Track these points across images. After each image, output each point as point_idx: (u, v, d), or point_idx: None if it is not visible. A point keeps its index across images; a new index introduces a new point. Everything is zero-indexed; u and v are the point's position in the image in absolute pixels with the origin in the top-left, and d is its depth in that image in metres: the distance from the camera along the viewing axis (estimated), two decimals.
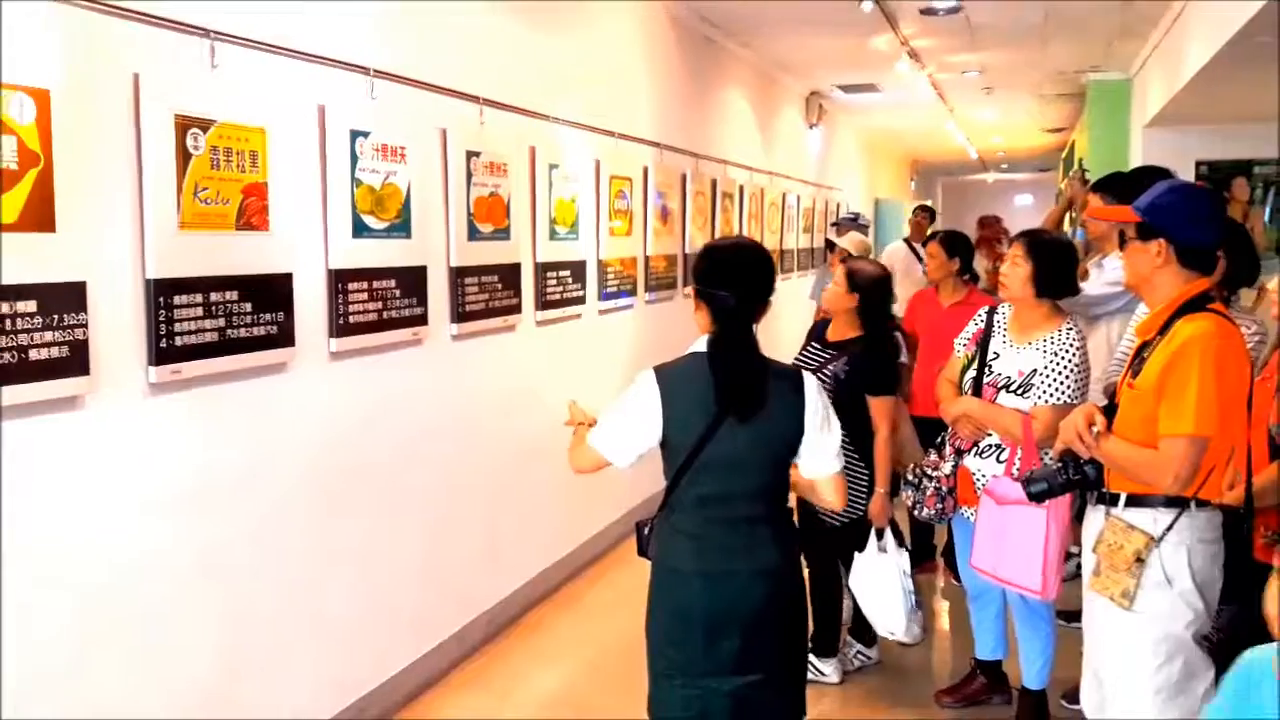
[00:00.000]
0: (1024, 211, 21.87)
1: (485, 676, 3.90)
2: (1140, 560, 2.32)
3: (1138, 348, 2.49)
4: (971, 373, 3.26)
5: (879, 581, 3.42)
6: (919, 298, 4.87)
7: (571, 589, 4.83)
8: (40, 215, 2.23)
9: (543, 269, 4.54)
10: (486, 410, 4.16)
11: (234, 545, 2.87)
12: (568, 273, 4.80)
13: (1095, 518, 2.49)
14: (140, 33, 2.51)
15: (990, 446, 3.21)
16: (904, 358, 3.96)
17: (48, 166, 2.25)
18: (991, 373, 3.21)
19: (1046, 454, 3.08)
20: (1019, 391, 3.12)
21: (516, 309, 4.32)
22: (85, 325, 2.35)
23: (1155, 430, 2.30)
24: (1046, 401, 3.04)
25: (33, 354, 2.24)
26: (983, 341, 3.27)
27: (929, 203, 7.86)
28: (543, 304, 4.56)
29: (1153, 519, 2.34)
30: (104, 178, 2.44)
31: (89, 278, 2.37)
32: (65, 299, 2.30)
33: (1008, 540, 2.95)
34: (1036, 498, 2.55)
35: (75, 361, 2.33)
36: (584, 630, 4.37)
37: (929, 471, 3.33)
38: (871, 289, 3.60)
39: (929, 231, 7.12)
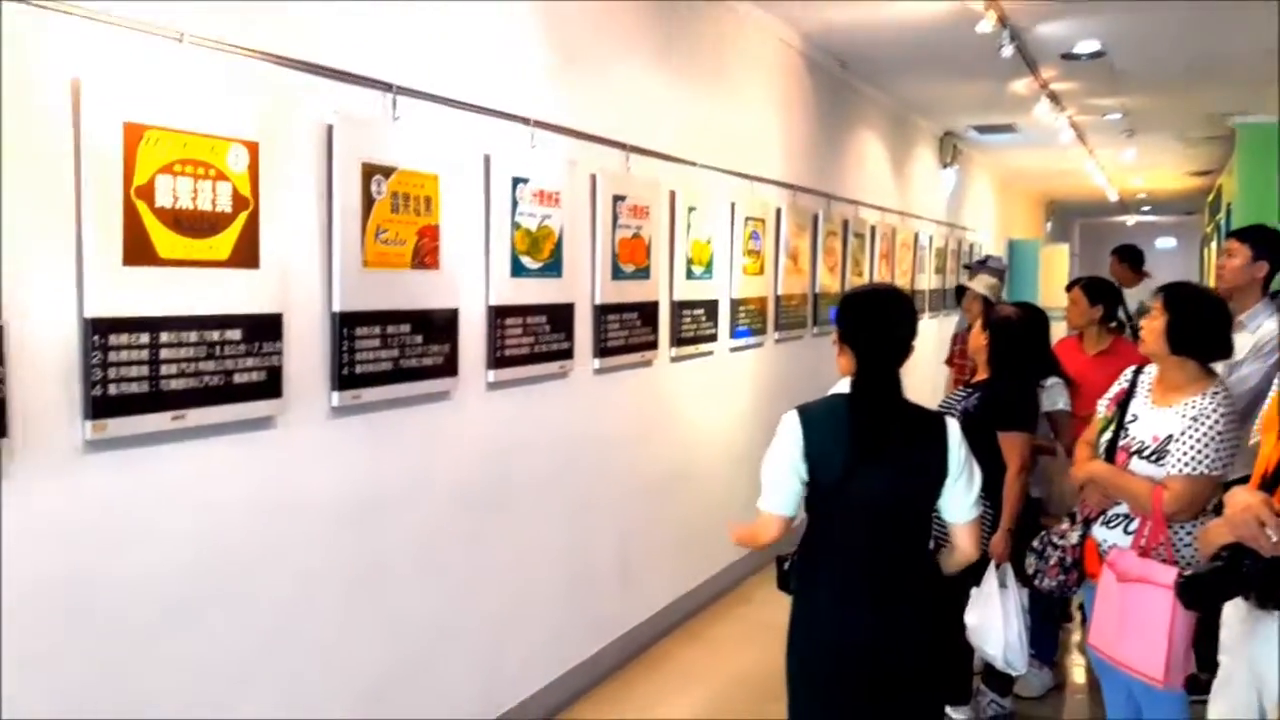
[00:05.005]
0: (1166, 255, 21.04)
1: (615, 702, 4.01)
2: None
3: None
4: (1108, 435, 3.01)
5: (996, 616, 3.30)
6: (1062, 346, 4.64)
7: (698, 622, 4.91)
8: (247, 253, 2.50)
9: (679, 307, 4.69)
10: (622, 441, 4.32)
11: (397, 557, 3.08)
12: (702, 311, 4.93)
13: None
14: (332, 87, 2.77)
15: (1118, 516, 2.94)
16: (1064, 404, 3.88)
17: (255, 210, 2.51)
18: (1127, 435, 2.94)
19: (1177, 530, 2.79)
20: (1153, 458, 2.84)
21: (653, 345, 4.47)
22: (280, 353, 2.60)
23: None
24: (1182, 471, 2.75)
25: (237, 378, 2.49)
26: (1123, 402, 3.02)
27: (1132, 244, 6.94)
28: (677, 340, 4.71)
29: None
30: (299, 219, 2.69)
31: (285, 310, 2.62)
32: (265, 329, 2.55)
33: (1128, 621, 2.69)
34: (1192, 605, 2.27)
35: (271, 385, 2.58)
36: (711, 664, 4.44)
37: (1055, 540, 3.10)
38: (1001, 329, 3.68)
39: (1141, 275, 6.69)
